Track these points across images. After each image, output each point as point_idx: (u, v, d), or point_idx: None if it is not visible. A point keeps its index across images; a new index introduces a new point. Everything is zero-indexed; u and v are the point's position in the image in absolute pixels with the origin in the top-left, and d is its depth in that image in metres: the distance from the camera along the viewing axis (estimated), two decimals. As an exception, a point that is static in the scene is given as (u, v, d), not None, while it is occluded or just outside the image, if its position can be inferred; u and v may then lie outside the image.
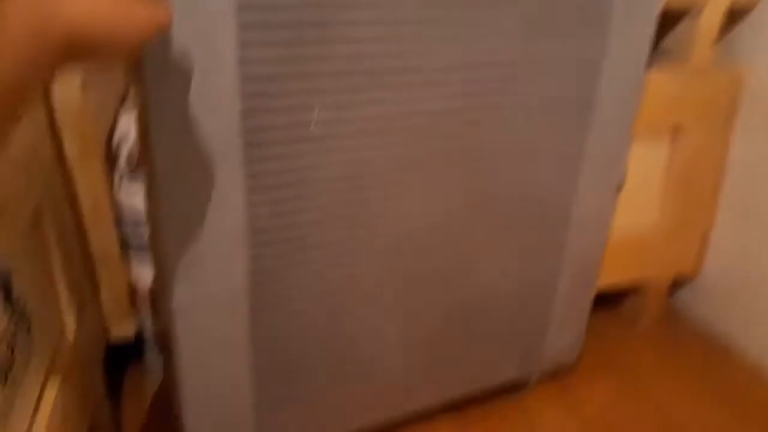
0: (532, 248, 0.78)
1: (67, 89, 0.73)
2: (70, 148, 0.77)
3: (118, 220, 0.84)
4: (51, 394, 0.61)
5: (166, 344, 0.69)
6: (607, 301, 1.16)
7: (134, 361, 0.96)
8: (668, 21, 0.92)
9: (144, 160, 0.62)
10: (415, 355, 0.76)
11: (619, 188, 0.83)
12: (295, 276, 0.64)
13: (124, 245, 0.86)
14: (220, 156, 0.56)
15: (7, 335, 0.52)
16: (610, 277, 1.00)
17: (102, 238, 0.82)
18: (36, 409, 0.58)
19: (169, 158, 0.54)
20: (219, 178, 0.57)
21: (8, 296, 0.51)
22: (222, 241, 0.59)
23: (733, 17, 0.95)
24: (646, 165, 0.98)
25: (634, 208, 0.98)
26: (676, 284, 1.12)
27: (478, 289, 0.76)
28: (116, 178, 0.84)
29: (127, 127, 0.83)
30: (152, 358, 0.91)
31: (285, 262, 0.63)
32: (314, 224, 0.63)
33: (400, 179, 0.65)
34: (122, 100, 0.89)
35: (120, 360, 0.97)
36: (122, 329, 0.88)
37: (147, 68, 0.50)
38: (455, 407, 0.89)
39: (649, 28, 0.72)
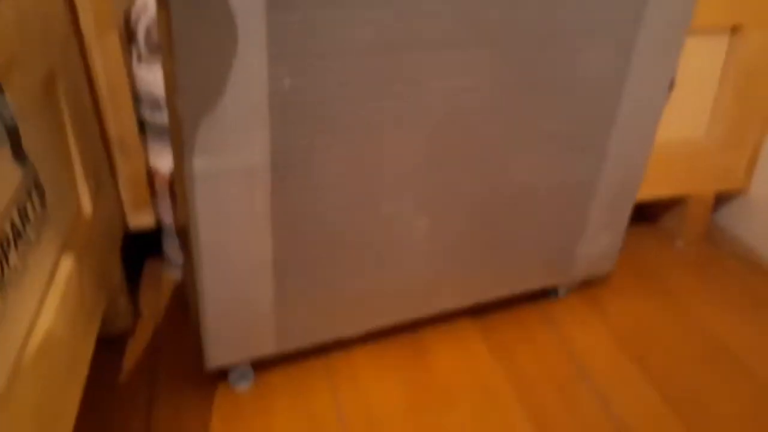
0: (573, 144, 0.72)
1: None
2: (86, 20, 0.73)
3: (136, 102, 0.81)
4: (66, 268, 0.59)
5: (184, 226, 0.67)
6: (647, 215, 1.11)
7: (154, 253, 0.95)
8: None
9: (161, 27, 0.57)
10: (440, 253, 0.73)
11: (670, 87, 0.76)
12: (317, 156, 0.60)
13: (143, 130, 0.82)
14: (241, 18, 0.51)
15: (20, 197, 0.49)
16: (652, 189, 0.94)
17: (119, 120, 0.79)
18: (51, 281, 0.56)
19: (187, 20, 0.50)
20: (240, 42, 0.52)
21: (18, 153, 0.48)
22: (242, 111, 0.55)
23: None
24: (700, 69, 0.90)
25: (684, 116, 0.92)
26: (721, 201, 1.06)
27: (512, 186, 0.72)
28: (134, 57, 0.80)
29: (145, 1, 0.77)
30: (171, 248, 0.90)
31: (307, 139, 0.59)
32: (340, 99, 0.58)
33: (439, 53, 0.60)
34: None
35: (141, 250, 0.96)
36: (141, 218, 0.86)
37: None
38: (480, 312, 0.86)
39: None
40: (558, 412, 0.71)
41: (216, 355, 0.68)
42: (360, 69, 0.58)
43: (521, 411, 0.71)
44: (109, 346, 0.79)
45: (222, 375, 0.74)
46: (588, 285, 0.93)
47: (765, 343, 0.83)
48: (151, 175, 0.84)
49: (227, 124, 0.56)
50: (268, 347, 0.70)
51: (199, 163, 0.56)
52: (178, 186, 0.67)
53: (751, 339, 0.83)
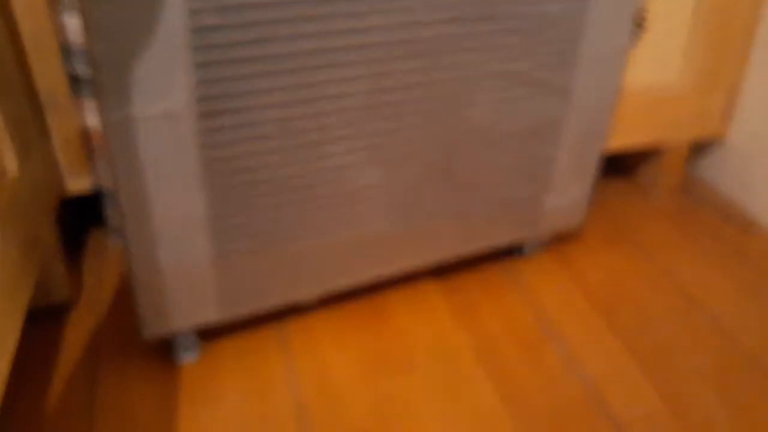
0: (534, 85, 0.67)
1: None
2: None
3: (68, 54, 0.74)
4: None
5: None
6: (620, 169, 1.06)
7: (99, 220, 0.89)
8: None
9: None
10: (397, 207, 0.68)
11: (640, 27, 0.71)
12: (251, 101, 0.55)
13: (75, 86, 0.76)
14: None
15: None
16: (624, 139, 0.90)
17: (47, 74, 0.72)
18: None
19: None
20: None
21: None
22: (162, 52, 0.50)
23: None
24: (672, 10, 0.84)
25: (657, 60, 0.86)
26: (697, 150, 1.02)
27: (471, 132, 0.67)
28: (62, 4, 0.73)
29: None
30: (111, 213, 0.84)
31: (238, 83, 0.53)
32: (272, 39, 0.53)
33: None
34: None
35: (85, 218, 0.90)
36: (79, 182, 0.80)
37: None
38: (443, 272, 0.82)
39: None
40: (523, 373, 0.68)
41: (153, 324, 0.63)
42: (293, 5, 0.52)
43: (484, 373, 0.68)
44: (48, 317, 0.74)
45: (168, 347, 0.70)
46: (557, 241, 0.89)
47: (738, 296, 0.79)
48: (87, 135, 0.78)
49: (146, 67, 0.50)
50: (210, 314, 0.65)
51: (117, 111, 0.51)
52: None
53: (724, 292, 0.80)
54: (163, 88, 0.51)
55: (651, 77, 0.87)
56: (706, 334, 0.73)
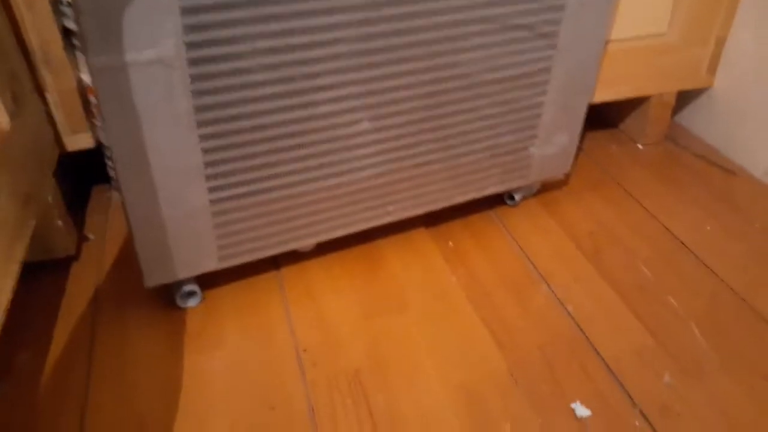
0: (520, 30, 0.68)
1: None
2: None
3: (60, 7, 0.75)
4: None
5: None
6: (608, 120, 1.08)
7: (103, 176, 0.91)
8: None
9: None
10: (387, 156, 0.70)
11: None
12: (241, 48, 0.56)
13: (68, 41, 0.77)
14: None
15: None
16: (611, 90, 0.91)
17: (38, 28, 0.73)
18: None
19: None
20: None
21: None
22: (150, -1, 0.51)
23: None
24: (662, -42, 0.85)
25: (645, 11, 0.87)
26: (683, 100, 1.04)
27: (457, 78, 0.68)
28: (49, -39, 0.73)
29: None
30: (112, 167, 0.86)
31: (227, 29, 0.55)
32: (262, -15, 0.54)
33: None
34: None
35: (89, 174, 0.91)
36: (78, 139, 0.81)
37: None
38: (434, 221, 0.84)
39: None
40: (512, 312, 0.70)
41: (153, 273, 0.65)
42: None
43: (474, 311, 0.70)
44: (51, 272, 0.76)
45: (170, 295, 0.72)
46: (545, 189, 0.91)
47: (724, 238, 0.82)
48: (83, 90, 0.79)
49: (132, 12, 0.51)
50: (209, 262, 0.67)
51: (104, 58, 0.52)
52: (99, 93, 0.63)
53: (711, 235, 0.82)
54: (150, 35, 0.52)
55: (639, 27, 0.88)
56: (693, 276, 0.76)
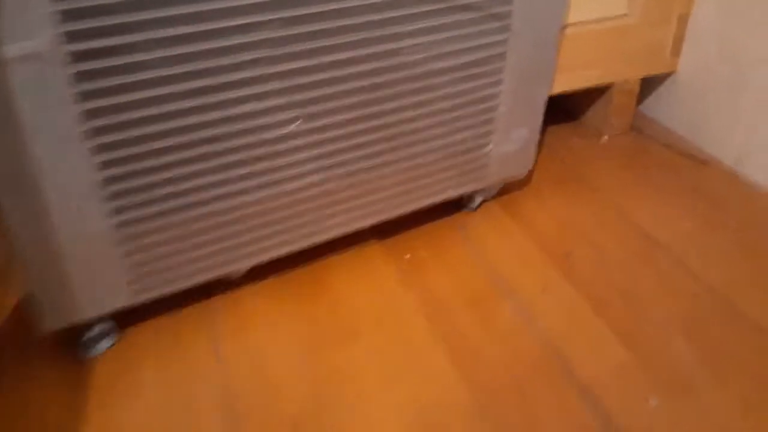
0: (468, 11, 0.60)
1: None
2: None
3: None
4: None
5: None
6: (569, 112, 1.01)
7: None
8: None
9: None
10: (327, 162, 0.61)
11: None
12: (126, 27, 0.46)
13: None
14: None
15: None
16: (571, 79, 0.84)
17: None
18: None
19: None
20: None
21: None
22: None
23: None
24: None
25: (602, -10, 0.80)
26: (647, 89, 0.97)
27: (399, 69, 0.59)
28: None
29: None
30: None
31: (114, 16, 0.45)
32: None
33: None
34: None
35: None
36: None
37: None
38: (387, 232, 0.75)
39: None
40: (476, 334, 0.62)
41: (52, 314, 0.55)
42: None
43: (434, 336, 0.62)
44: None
45: (77, 338, 0.61)
46: (507, 190, 0.83)
47: (699, 233, 0.75)
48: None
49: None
50: (119, 298, 0.57)
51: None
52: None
53: (685, 230, 0.75)
54: (23, 24, 0.42)
55: (598, 8, 0.81)
56: (672, 278, 0.69)
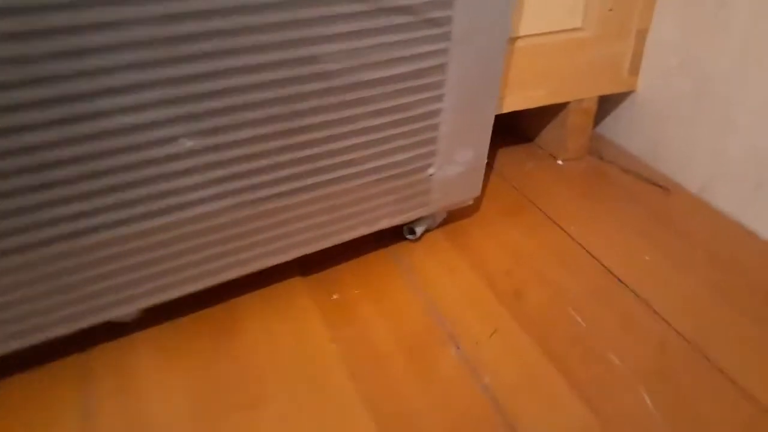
0: (400, 20, 0.52)
1: None
2: None
3: None
4: None
5: None
6: (521, 133, 0.94)
7: None
8: None
9: None
10: (229, 184, 0.51)
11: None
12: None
13: None
14: None
15: None
16: (520, 97, 0.76)
17: None
18: None
19: None
20: None
21: None
22: None
23: None
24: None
25: (555, 1, 0.73)
26: (605, 108, 0.91)
27: (319, 79, 0.50)
28: None
29: None
30: None
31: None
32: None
33: None
34: None
35: None
36: None
37: None
38: (312, 266, 0.65)
39: None
40: (412, 393, 0.52)
41: None
42: None
43: (358, 398, 0.52)
44: None
45: None
46: (452, 218, 0.74)
47: (667, 268, 0.67)
48: None
49: None
50: (-37, 351, 0.46)
51: None
52: None
53: (651, 266, 0.68)
54: None
55: (551, 21, 0.74)
56: (635, 321, 0.60)
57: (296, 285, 0.63)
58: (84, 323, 0.51)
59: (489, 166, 0.85)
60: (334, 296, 0.62)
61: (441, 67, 0.57)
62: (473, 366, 0.55)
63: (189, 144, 0.47)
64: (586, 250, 0.70)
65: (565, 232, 0.73)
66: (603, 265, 0.68)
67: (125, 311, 0.52)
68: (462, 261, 0.68)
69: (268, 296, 0.61)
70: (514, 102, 0.76)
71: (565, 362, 0.55)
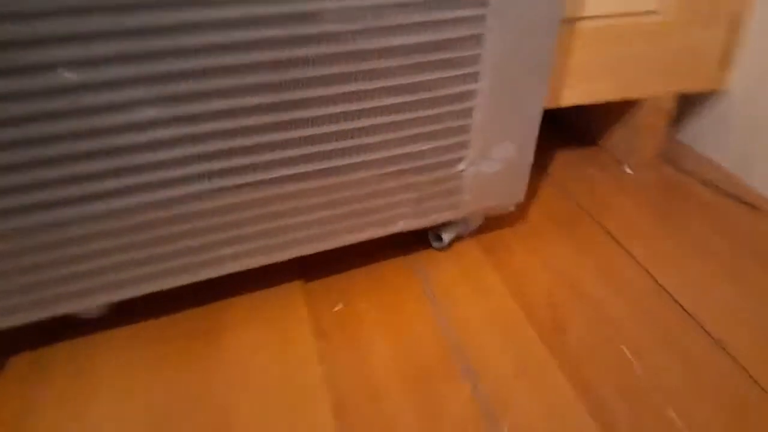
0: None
1: None
2: None
3: None
4: None
5: None
6: (582, 135, 0.81)
7: None
8: None
9: None
10: (205, 168, 0.42)
11: None
12: None
13: None
14: None
15: None
16: (581, 90, 0.65)
17: None
18: None
19: None
20: None
21: None
22: None
23: None
24: None
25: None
26: (687, 108, 0.77)
27: (322, 42, 0.41)
28: None
29: None
30: None
31: None
32: None
33: None
34: None
35: None
36: None
37: None
38: (316, 269, 0.56)
39: None
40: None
41: None
42: None
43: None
44: None
45: None
46: (489, 227, 0.63)
47: (749, 312, 0.54)
48: None
49: None
50: None
51: None
52: None
53: (730, 306, 0.55)
54: None
55: (623, 7, 0.62)
56: (706, 369, 0.48)
57: (294, 291, 0.54)
58: (33, 316, 0.43)
59: (540, 168, 0.74)
60: (337, 307, 0.52)
61: (476, 39, 0.46)
62: (491, 410, 0.44)
63: (151, 112, 0.38)
64: (653, 278, 0.57)
65: (628, 253, 0.60)
66: (669, 294, 0.55)
67: (85, 305, 0.45)
68: (496, 278, 0.57)
69: (259, 302, 0.52)
70: (574, 95, 0.65)
71: (612, 416, 0.44)
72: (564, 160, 0.76)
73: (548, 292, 0.55)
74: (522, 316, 0.52)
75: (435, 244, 0.60)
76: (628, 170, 0.74)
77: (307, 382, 0.45)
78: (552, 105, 0.65)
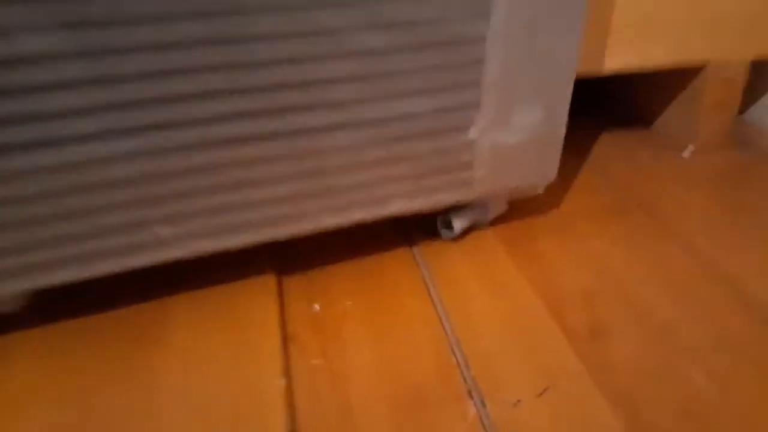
0: None
1: None
2: None
3: None
4: None
5: None
6: (633, 113, 0.70)
7: None
8: None
9: None
10: (127, 128, 0.33)
11: None
12: None
13: None
14: None
15: None
16: (631, 55, 0.53)
17: None
18: None
19: None
20: None
21: None
22: None
23: None
24: None
25: None
26: (759, 83, 0.64)
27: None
28: None
29: None
30: None
31: None
32: None
33: None
34: None
35: None
36: None
37: None
38: (293, 259, 0.46)
39: None
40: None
41: None
42: None
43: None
44: None
45: None
46: (516, 215, 0.53)
47: None
48: None
49: None
50: None
51: None
52: None
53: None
54: None
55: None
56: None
57: (264, 285, 0.44)
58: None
59: (583, 150, 0.63)
60: (315, 306, 0.43)
61: (483, 15, 0.36)
62: (501, 427, 0.33)
63: (33, 42, 0.30)
64: (715, 273, 0.45)
65: (686, 247, 0.48)
66: (741, 294, 0.43)
67: (10, 293, 0.36)
68: (519, 275, 0.46)
69: (217, 298, 0.43)
70: (620, 60, 0.54)
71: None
72: (610, 142, 0.64)
73: (584, 291, 0.44)
74: (549, 320, 0.41)
75: (444, 233, 0.49)
76: (687, 154, 0.62)
77: (264, 399, 0.35)
78: (593, 72, 0.54)
